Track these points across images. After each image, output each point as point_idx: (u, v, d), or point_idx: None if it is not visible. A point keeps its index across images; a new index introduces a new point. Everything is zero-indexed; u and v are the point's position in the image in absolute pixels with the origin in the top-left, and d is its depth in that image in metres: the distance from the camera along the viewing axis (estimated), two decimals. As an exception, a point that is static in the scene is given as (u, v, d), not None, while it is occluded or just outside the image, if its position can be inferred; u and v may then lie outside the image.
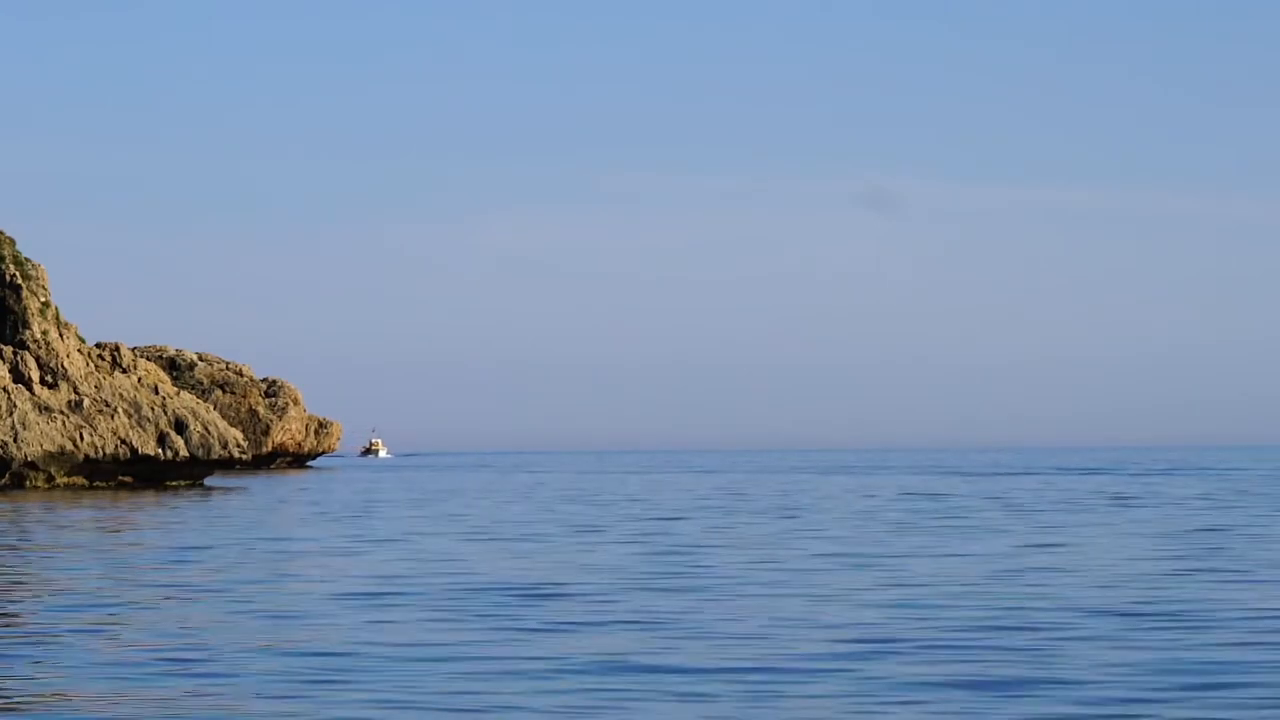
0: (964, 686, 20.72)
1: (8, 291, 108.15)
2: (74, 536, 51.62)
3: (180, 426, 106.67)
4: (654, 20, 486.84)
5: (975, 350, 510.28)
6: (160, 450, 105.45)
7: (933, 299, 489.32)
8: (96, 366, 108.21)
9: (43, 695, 20.60)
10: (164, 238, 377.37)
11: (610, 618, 28.19)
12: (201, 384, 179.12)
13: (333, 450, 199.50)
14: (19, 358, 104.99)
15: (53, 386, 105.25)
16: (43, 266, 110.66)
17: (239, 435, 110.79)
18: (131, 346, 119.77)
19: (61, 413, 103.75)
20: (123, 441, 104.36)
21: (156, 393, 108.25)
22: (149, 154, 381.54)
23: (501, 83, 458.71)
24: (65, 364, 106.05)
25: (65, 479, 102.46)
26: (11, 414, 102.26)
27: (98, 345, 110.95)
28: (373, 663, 22.90)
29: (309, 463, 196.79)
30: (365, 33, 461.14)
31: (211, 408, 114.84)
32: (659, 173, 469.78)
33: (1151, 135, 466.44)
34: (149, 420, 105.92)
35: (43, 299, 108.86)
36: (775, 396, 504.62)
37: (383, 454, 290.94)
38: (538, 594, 32.49)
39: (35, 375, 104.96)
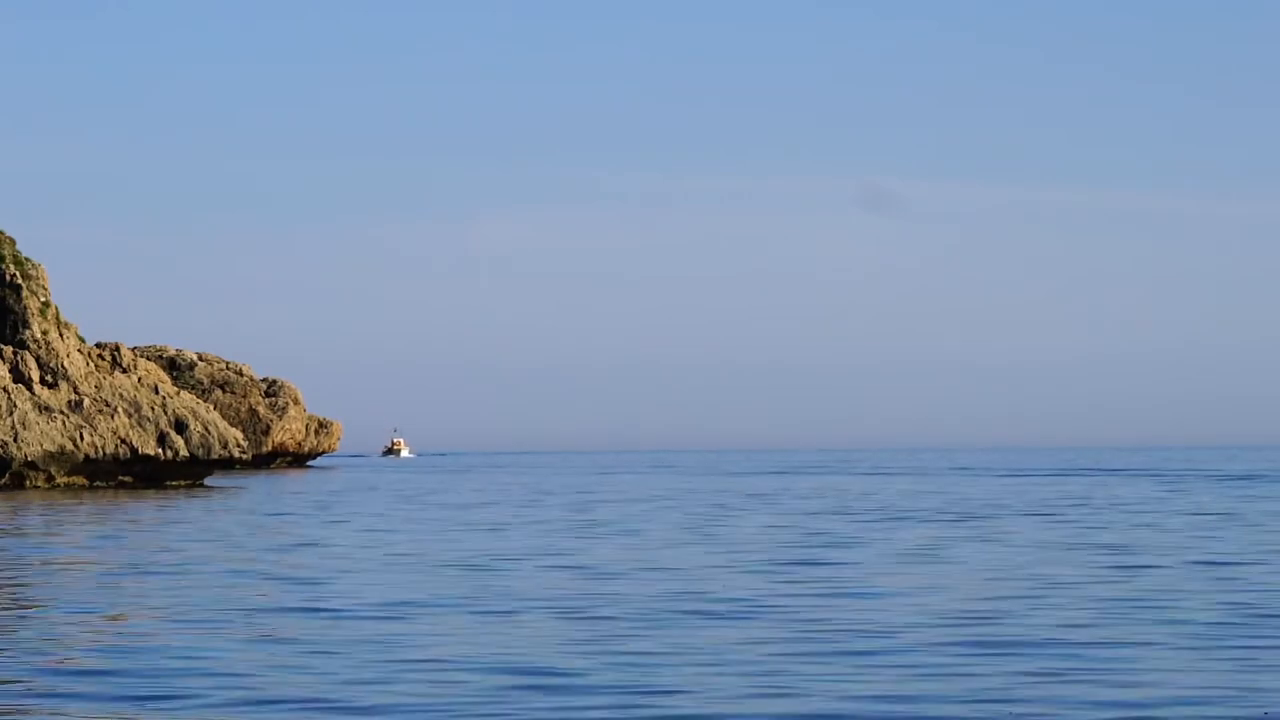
0: None
1: (8, 291, 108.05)
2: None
3: (180, 426, 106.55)
4: (654, 20, 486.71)
5: (975, 350, 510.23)
6: (160, 450, 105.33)
7: (933, 299, 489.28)
8: (96, 366, 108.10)
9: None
10: (164, 238, 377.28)
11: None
12: (201, 384, 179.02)
13: (333, 450, 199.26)
14: (19, 358, 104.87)
15: (53, 386, 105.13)
16: (43, 266, 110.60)
17: (239, 435, 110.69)
18: (131, 346, 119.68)
19: (61, 413, 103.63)
20: (123, 441, 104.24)
21: (156, 393, 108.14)
22: (149, 154, 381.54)
23: (501, 83, 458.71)
24: (65, 364, 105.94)
25: (65, 479, 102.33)
26: (11, 414, 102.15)
27: (98, 345, 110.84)
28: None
29: (309, 462, 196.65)
30: (365, 33, 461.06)
31: (211, 408, 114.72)
32: (659, 173, 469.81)
33: (1151, 135, 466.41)
34: (149, 420, 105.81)
35: (43, 299, 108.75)
36: (776, 397, 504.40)
37: (405, 453, 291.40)
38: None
39: (35, 375, 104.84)
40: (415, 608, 30.19)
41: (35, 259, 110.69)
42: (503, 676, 21.75)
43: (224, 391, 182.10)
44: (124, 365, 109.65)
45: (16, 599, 32.60)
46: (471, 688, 20.96)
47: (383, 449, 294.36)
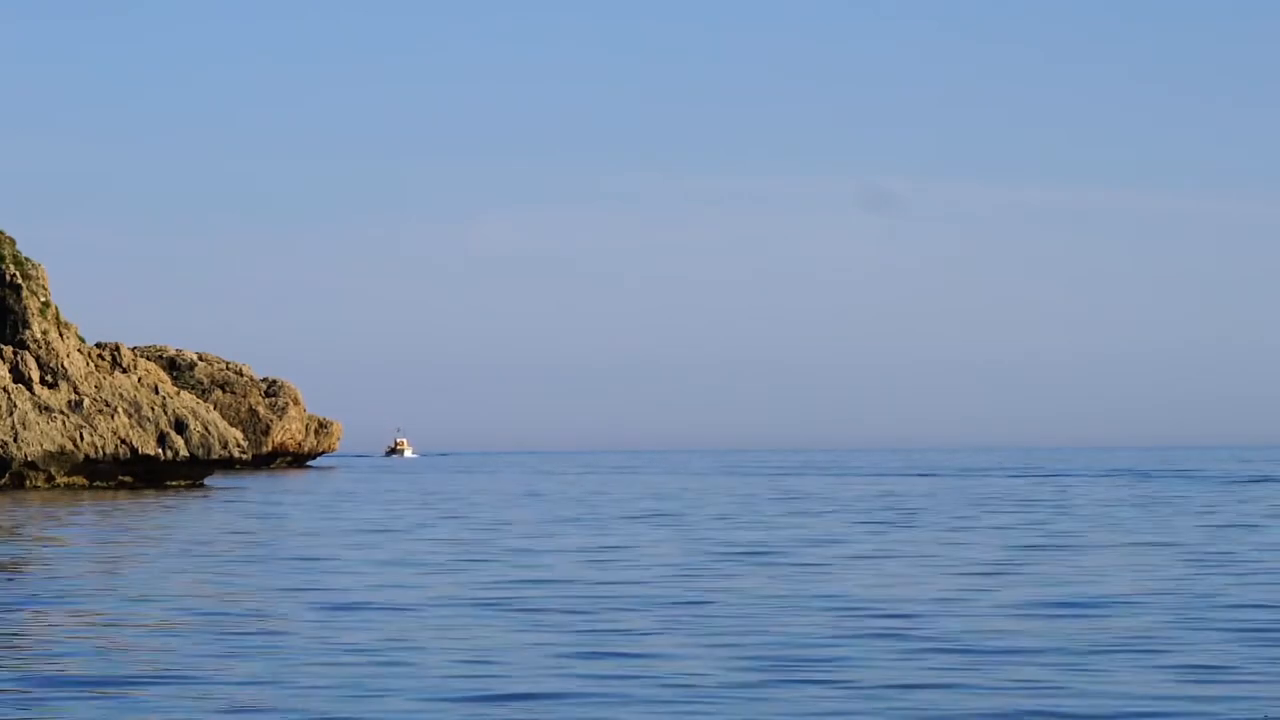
0: None
1: (8, 291, 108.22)
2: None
3: (180, 426, 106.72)
4: (654, 20, 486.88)
5: (975, 350, 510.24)
6: (160, 450, 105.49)
7: (933, 299, 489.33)
8: (96, 366, 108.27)
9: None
10: (164, 237, 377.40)
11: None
12: (201, 384, 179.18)
13: (333, 450, 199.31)
14: (19, 358, 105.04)
15: (53, 386, 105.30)
16: (43, 266, 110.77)
17: (239, 435, 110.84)
18: (131, 346, 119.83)
19: (61, 413, 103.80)
20: (123, 441, 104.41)
21: (156, 392, 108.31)
22: (149, 154, 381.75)
23: (501, 83, 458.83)
24: (65, 364, 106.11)
25: (65, 479, 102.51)
26: (11, 414, 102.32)
27: (98, 345, 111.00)
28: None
29: (309, 463, 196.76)
30: (365, 33, 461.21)
31: (211, 408, 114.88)
32: (659, 173, 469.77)
33: (1151, 135, 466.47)
34: (149, 420, 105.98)
35: (43, 299, 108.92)
36: (776, 396, 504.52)
37: (408, 454, 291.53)
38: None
39: (35, 375, 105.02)
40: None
41: (35, 259, 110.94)
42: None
43: (224, 391, 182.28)
44: (124, 365, 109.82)
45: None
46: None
47: (386, 449, 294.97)
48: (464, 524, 61.99)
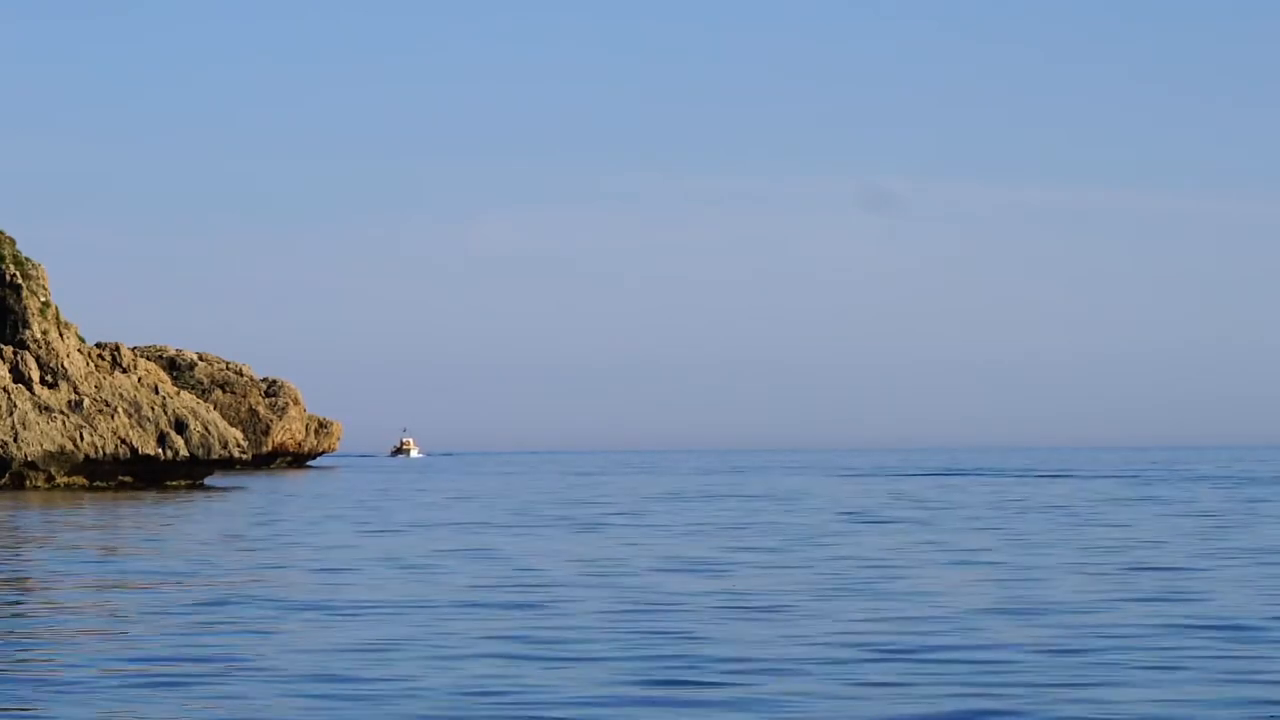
0: None
1: (8, 291, 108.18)
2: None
3: (180, 426, 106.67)
4: (654, 20, 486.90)
5: (975, 350, 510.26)
6: (160, 450, 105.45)
7: (933, 299, 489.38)
8: (96, 366, 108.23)
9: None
10: (164, 237, 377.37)
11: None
12: (201, 384, 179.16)
13: (333, 450, 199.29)
14: (19, 358, 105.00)
15: (53, 386, 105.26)
16: (43, 266, 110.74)
17: (239, 435, 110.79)
18: (131, 346, 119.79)
19: (61, 413, 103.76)
20: (123, 441, 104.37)
21: (156, 392, 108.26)
22: (149, 154, 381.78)
23: (501, 83, 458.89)
24: (65, 364, 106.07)
25: (65, 479, 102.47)
26: (11, 414, 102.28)
27: (98, 345, 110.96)
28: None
29: (309, 463, 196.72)
30: (365, 33, 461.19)
31: (211, 408, 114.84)
32: (659, 173, 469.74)
33: (1151, 135, 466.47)
34: (149, 420, 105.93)
35: (43, 299, 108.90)
36: (775, 396, 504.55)
37: (414, 453, 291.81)
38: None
39: (35, 375, 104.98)
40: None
41: (35, 259, 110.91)
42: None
43: (224, 391, 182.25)
44: (124, 365, 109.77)
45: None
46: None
47: (391, 449, 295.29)
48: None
